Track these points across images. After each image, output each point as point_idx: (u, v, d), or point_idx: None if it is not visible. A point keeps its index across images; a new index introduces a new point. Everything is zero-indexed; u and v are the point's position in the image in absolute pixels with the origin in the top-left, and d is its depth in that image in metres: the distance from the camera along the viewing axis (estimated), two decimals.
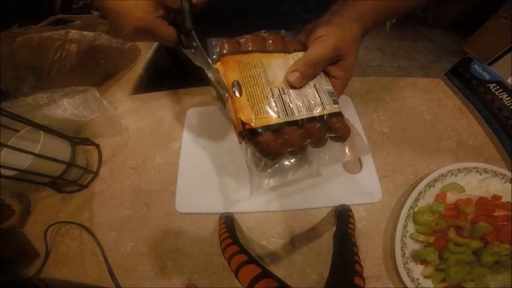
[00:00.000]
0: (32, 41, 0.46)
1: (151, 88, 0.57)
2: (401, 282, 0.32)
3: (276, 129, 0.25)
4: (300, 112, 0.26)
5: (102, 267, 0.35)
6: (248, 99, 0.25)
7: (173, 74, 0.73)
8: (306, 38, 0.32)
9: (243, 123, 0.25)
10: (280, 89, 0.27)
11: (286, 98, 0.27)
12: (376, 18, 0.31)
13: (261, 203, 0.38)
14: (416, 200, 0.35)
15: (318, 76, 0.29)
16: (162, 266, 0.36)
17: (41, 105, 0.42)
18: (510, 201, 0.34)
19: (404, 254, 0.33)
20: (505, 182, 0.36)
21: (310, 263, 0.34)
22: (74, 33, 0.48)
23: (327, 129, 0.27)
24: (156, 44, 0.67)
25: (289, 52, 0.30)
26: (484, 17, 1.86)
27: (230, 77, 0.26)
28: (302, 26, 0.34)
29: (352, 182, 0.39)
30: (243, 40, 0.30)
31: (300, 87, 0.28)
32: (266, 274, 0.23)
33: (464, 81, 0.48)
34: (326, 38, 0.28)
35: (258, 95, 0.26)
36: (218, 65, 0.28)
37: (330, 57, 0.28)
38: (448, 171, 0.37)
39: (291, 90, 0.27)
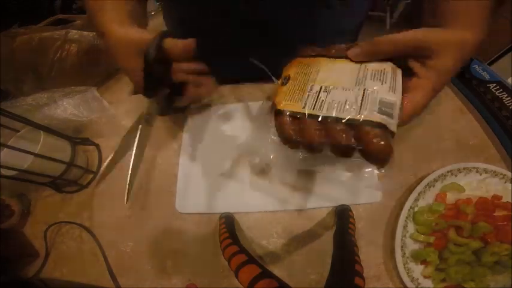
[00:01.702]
0: (32, 41, 0.46)
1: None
2: (401, 282, 0.32)
3: (297, 117, 0.25)
4: (328, 110, 0.24)
5: (102, 267, 0.36)
6: (288, 89, 0.28)
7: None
8: None
9: (273, 104, 0.27)
10: (323, 86, 0.26)
11: (323, 95, 0.26)
12: (489, 14, 0.26)
13: (261, 203, 0.38)
14: (416, 200, 0.35)
15: (383, 82, 0.25)
16: (162, 266, 0.36)
17: (41, 105, 0.42)
18: (510, 201, 0.34)
19: (404, 254, 0.33)
20: (505, 182, 0.36)
21: (310, 263, 0.34)
22: (74, 33, 0.48)
23: (356, 138, 0.23)
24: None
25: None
26: None
27: (286, 72, 0.30)
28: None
29: (352, 182, 0.39)
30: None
31: (356, 61, 0.27)
32: (266, 274, 0.23)
33: (464, 81, 0.47)
34: (414, 31, 0.24)
35: (298, 87, 0.28)
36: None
37: (407, 43, 0.24)
38: (448, 171, 0.37)
39: (334, 91, 0.26)
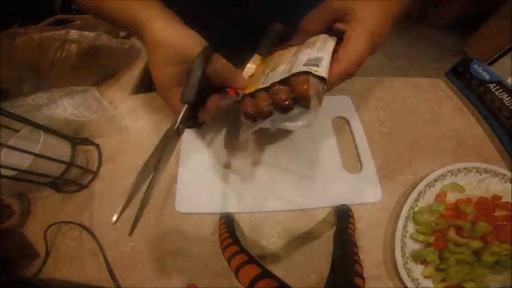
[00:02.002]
0: (32, 41, 0.46)
1: (151, 88, 0.57)
2: (401, 282, 0.32)
3: (253, 96, 0.29)
4: (272, 80, 0.28)
5: (102, 267, 0.35)
6: (252, 78, 0.32)
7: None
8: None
9: (237, 94, 0.30)
10: (272, 67, 0.31)
11: (270, 74, 0.29)
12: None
13: (261, 203, 0.38)
14: (416, 200, 0.35)
15: (312, 48, 0.28)
16: (162, 266, 0.36)
17: (41, 105, 0.42)
18: (510, 201, 0.34)
19: (405, 254, 0.33)
20: (505, 182, 0.36)
21: (310, 263, 0.34)
22: (74, 33, 0.48)
23: (290, 92, 0.26)
24: None
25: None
26: (484, 17, 1.86)
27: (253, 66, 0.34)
28: None
29: (352, 182, 0.39)
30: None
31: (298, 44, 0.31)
32: (266, 274, 0.23)
33: (464, 81, 0.48)
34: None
35: (258, 76, 0.31)
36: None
37: (320, 15, 0.29)
38: (448, 171, 0.37)
39: (277, 68, 0.29)
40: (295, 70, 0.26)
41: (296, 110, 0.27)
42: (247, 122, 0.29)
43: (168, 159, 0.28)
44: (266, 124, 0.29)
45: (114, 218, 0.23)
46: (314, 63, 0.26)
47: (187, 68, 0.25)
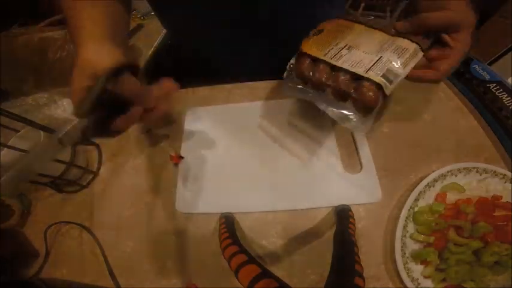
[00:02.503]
0: (32, 41, 0.46)
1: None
2: (401, 282, 0.32)
3: (315, 61, 0.32)
4: (343, 63, 0.30)
5: (102, 267, 0.35)
6: (317, 39, 0.33)
7: (173, 73, 0.74)
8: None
9: (300, 48, 0.33)
10: (348, 45, 0.32)
11: (344, 51, 0.31)
12: None
13: (261, 203, 0.38)
14: (416, 200, 0.35)
15: (400, 56, 0.30)
16: (162, 266, 0.36)
17: (41, 105, 0.42)
18: (510, 201, 0.34)
19: (405, 254, 0.33)
20: (505, 182, 0.36)
21: (310, 263, 0.34)
22: None
23: (355, 89, 0.29)
24: (156, 43, 0.67)
25: (391, 34, 0.33)
26: (484, 17, 1.86)
27: (322, 26, 0.35)
28: None
29: (352, 182, 0.39)
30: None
31: (404, 32, 0.32)
32: (266, 274, 0.23)
33: (464, 81, 0.47)
34: (444, 4, 0.31)
35: (326, 39, 0.33)
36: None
37: (443, 24, 0.31)
38: (448, 171, 0.37)
39: (355, 50, 0.31)
40: (372, 75, 0.29)
41: (348, 107, 0.30)
42: (295, 84, 0.33)
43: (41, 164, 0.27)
44: (320, 103, 0.32)
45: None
46: (390, 79, 0.29)
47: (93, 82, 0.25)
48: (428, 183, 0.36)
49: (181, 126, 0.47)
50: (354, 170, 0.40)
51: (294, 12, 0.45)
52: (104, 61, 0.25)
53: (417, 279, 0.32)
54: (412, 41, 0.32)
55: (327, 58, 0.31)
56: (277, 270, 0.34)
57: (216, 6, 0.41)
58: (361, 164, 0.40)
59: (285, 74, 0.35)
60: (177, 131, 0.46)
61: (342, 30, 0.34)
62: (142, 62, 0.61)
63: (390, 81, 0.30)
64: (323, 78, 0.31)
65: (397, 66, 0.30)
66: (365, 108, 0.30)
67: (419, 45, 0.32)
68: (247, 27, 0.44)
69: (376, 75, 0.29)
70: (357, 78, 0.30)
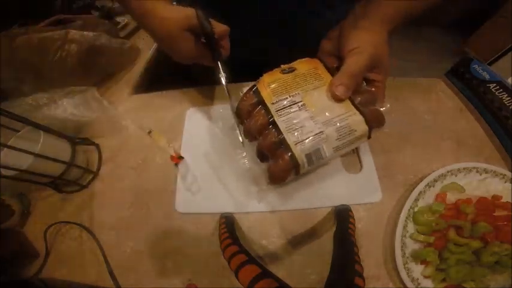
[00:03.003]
0: (32, 41, 0.46)
1: (151, 88, 0.57)
2: (401, 282, 0.32)
3: (261, 104, 0.32)
4: (282, 122, 0.30)
5: (102, 267, 0.35)
6: (282, 78, 0.33)
7: (173, 74, 0.74)
8: (331, 45, 0.34)
9: (259, 82, 0.33)
10: (304, 102, 0.31)
11: (294, 108, 0.30)
12: (400, 19, 0.33)
13: (261, 203, 0.38)
14: (416, 200, 0.35)
15: (340, 139, 0.29)
16: (162, 266, 0.36)
17: (41, 105, 0.42)
18: (510, 201, 0.34)
19: (404, 254, 0.33)
20: (505, 182, 0.36)
21: (310, 263, 0.34)
22: (74, 33, 0.48)
23: (274, 155, 0.30)
24: (155, 43, 0.67)
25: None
26: (484, 17, 1.86)
27: (297, 64, 0.34)
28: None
29: (352, 182, 0.39)
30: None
31: (343, 99, 0.30)
32: (266, 274, 0.23)
33: (464, 81, 0.47)
34: (363, 48, 0.30)
35: (289, 84, 0.32)
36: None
37: (370, 65, 0.31)
38: (448, 171, 0.37)
39: (305, 112, 0.30)
40: (298, 151, 0.28)
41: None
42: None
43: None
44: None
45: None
46: (312, 160, 0.29)
47: (189, 19, 0.31)
48: (428, 183, 0.36)
49: (181, 126, 0.47)
50: (354, 170, 0.40)
51: (296, 17, 0.45)
52: (181, 13, 0.31)
53: (417, 279, 0.32)
54: (367, 122, 0.30)
55: (272, 108, 0.30)
56: (277, 270, 0.34)
57: (216, 7, 0.41)
58: (361, 164, 0.40)
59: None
60: (177, 131, 0.46)
61: (312, 78, 0.32)
62: (141, 63, 0.61)
63: (311, 162, 0.29)
64: (255, 129, 0.30)
65: (328, 150, 0.29)
66: (271, 179, 0.30)
67: (369, 131, 0.30)
68: (247, 27, 0.44)
69: (301, 152, 0.28)
70: (283, 144, 0.29)
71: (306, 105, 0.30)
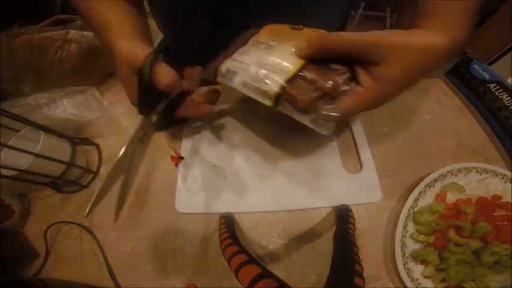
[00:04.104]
0: (32, 41, 0.46)
1: None
2: (401, 282, 0.32)
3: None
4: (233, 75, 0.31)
5: (102, 267, 0.35)
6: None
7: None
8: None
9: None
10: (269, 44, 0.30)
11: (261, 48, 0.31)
12: (466, 22, 0.23)
13: (261, 203, 0.38)
14: (416, 200, 0.35)
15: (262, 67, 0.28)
16: (162, 266, 0.36)
17: (41, 105, 0.42)
18: (510, 201, 0.34)
19: (404, 254, 0.33)
20: (505, 182, 0.36)
21: (310, 263, 0.34)
22: (74, 33, 0.48)
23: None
24: (155, 44, 0.67)
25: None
26: (484, 17, 1.86)
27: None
28: None
29: (352, 182, 0.39)
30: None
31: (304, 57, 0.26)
32: (266, 274, 0.23)
33: (464, 81, 0.48)
34: (377, 32, 0.22)
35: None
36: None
37: (353, 43, 0.21)
38: (448, 171, 0.37)
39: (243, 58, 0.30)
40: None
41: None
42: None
43: (136, 162, 0.35)
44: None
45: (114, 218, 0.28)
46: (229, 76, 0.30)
47: (133, 65, 0.29)
48: (428, 183, 0.36)
49: (181, 126, 0.47)
50: (354, 170, 0.40)
51: (288, 13, 0.45)
52: (139, 54, 0.28)
53: (417, 279, 0.32)
54: (283, 90, 0.25)
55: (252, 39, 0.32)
56: (277, 270, 0.34)
57: (214, 7, 0.41)
58: (361, 164, 0.40)
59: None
60: (177, 131, 0.46)
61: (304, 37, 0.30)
62: None
63: (225, 77, 0.30)
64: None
65: (238, 78, 0.29)
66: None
67: (277, 98, 0.26)
68: (246, 28, 0.44)
69: (225, 64, 0.31)
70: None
71: (271, 48, 0.30)
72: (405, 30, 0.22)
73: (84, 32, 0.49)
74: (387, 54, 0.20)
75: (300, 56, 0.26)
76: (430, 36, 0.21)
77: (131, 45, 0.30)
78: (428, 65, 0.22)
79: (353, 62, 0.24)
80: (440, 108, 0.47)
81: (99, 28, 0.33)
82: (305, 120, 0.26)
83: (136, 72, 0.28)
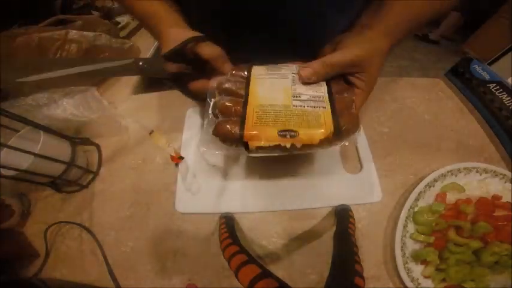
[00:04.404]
0: (32, 41, 0.46)
1: (151, 88, 0.57)
2: (401, 282, 0.32)
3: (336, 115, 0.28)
4: (320, 91, 0.29)
5: (102, 267, 0.35)
6: (303, 126, 0.27)
7: (173, 74, 0.74)
8: (332, 49, 0.33)
9: (327, 138, 0.26)
10: (293, 98, 0.29)
11: (303, 97, 0.29)
12: (404, 31, 0.32)
13: (261, 203, 0.38)
14: (416, 200, 0.35)
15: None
16: (162, 266, 0.36)
17: (41, 105, 0.42)
18: (510, 201, 0.34)
19: (404, 254, 0.33)
20: (505, 182, 0.36)
21: (310, 263, 0.34)
22: (74, 33, 0.48)
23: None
24: (155, 44, 0.67)
25: (249, 78, 0.31)
26: (484, 17, 1.86)
27: (271, 135, 0.27)
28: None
29: (352, 182, 0.39)
30: (222, 111, 0.29)
31: (308, 82, 0.30)
32: (266, 274, 0.23)
33: (464, 81, 0.48)
34: (351, 47, 0.29)
35: (299, 116, 0.27)
36: (253, 144, 0.27)
37: (347, 64, 0.29)
38: (448, 171, 0.37)
39: (297, 91, 0.29)
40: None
41: None
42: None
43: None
44: None
45: None
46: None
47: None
48: (428, 183, 0.36)
49: (181, 126, 0.47)
50: (354, 170, 0.40)
51: (304, 21, 0.45)
52: (189, 35, 0.30)
53: (417, 279, 0.32)
54: (336, 120, 0.27)
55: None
56: (277, 270, 0.34)
57: (216, 8, 0.41)
58: (361, 164, 0.40)
59: None
60: (177, 131, 0.46)
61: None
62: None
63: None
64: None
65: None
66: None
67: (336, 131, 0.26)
68: (247, 28, 0.44)
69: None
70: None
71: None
72: (364, 37, 0.30)
73: (84, 32, 0.49)
74: (365, 65, 0.29)
75: (305, 80, 0.30)
76: (378, 42, 0.30)
77: (180, 31, 0.32)
78: (383, 62, 0.31)
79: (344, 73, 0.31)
80: (440, 108, 0.47)
81: (148, 18, 0.35)
82: None
83: (184, 43, 0.30)
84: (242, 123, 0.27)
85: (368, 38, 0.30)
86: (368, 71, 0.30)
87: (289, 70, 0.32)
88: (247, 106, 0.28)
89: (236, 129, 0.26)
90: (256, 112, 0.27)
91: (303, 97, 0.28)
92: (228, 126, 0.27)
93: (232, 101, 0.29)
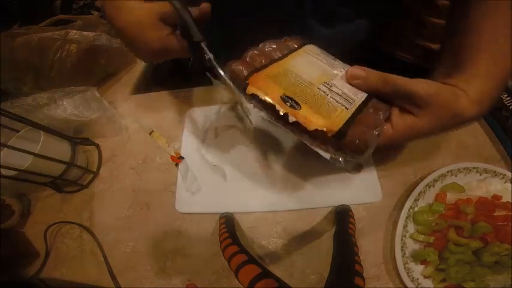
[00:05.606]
0: (32, 41, 0.46)
1: (151, 88, 0.57)
2: (401, 282, 0.32)
3: (352, 122, 0.23)
4: (357, 96, 0.25)
5: (102, 267, 0.36)
6: (310, 107, 0.23)
7: (173, 74, 0.74)
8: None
9: (324, 133, 0.23)
10: (324, 84, 0.25)
11: (335, 89, 0.25)
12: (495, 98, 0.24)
13: (261, 203, 0.38)
14: (416, 200, 0.35)
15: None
16: (162, 266, 0.36)
17: (41, 105, 0.42)
18: (510, 201, 0.34)
19: (405, 254, 0.33)
20: (505, 182, 0.36)
21: (310, 263, 0.34)
22: (74, 33, 0.48)
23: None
24: None
25: (295, 49, 0.29)
26: None
27: (274, 93, 0.24)
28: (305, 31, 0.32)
29: (352, 182, 0.39)
30: (248, 58, 0.27)
31: (348, 83, 0.26)
32: (266, 274, 0.23)
33: None
34: (430, 82, 0.23)
35: (315, 97, 0.24)
36: (250, 89, 0.24)
37: (410, 92, 0.22)
38: (448, 171, 0.37)
39: (333, 81, 0.26)
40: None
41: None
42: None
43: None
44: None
45: None
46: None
47: (165, 11, 0.28)
48: (428, 183, 0.36)
49: (181, 126, 0.47)
50: (354, 170, 0.40)
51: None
52: (161, 5, 0.28)
53: (417, 279, 0.32)
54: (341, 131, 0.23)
55: (352, 108, 0.25)
56: (277, 270, 0.34)
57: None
58: (361, 164, 0.40)
59: None
60: (177, 131, 0.46)
61: (293, 81, 0.26)
62: (142, 63, 0.61)
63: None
64: (377, 119, 0.24)
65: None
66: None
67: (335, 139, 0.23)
68: (247, 28, 0.44)
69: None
70: None
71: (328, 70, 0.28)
72: (448, 88, 0.23)
73: (84, 32, 0.49)
74: (425, 108, 0.22)
75: (348, 80, 0.26)
76: (464, 104, 0.22)
77: (151, 2, 0.29)
78: (450, 129, 0.23)
79: (391, 102, 0.25)
80: None
81: None
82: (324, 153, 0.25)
83: (178, 20, 0.28)
84: (257, 70, 0.25)
85: (456, 93, 0.22)
86: (419, 114, 0.22)
87: (342, 66, 0.28)
88: (274, 63, 0.26)
89: (246, 71, 0.25)
90: (277, 70, 0.25)
91: (334, 89, 0.25)
92: (241, 66, 0.26)
93: (264, 54, 0.27)
